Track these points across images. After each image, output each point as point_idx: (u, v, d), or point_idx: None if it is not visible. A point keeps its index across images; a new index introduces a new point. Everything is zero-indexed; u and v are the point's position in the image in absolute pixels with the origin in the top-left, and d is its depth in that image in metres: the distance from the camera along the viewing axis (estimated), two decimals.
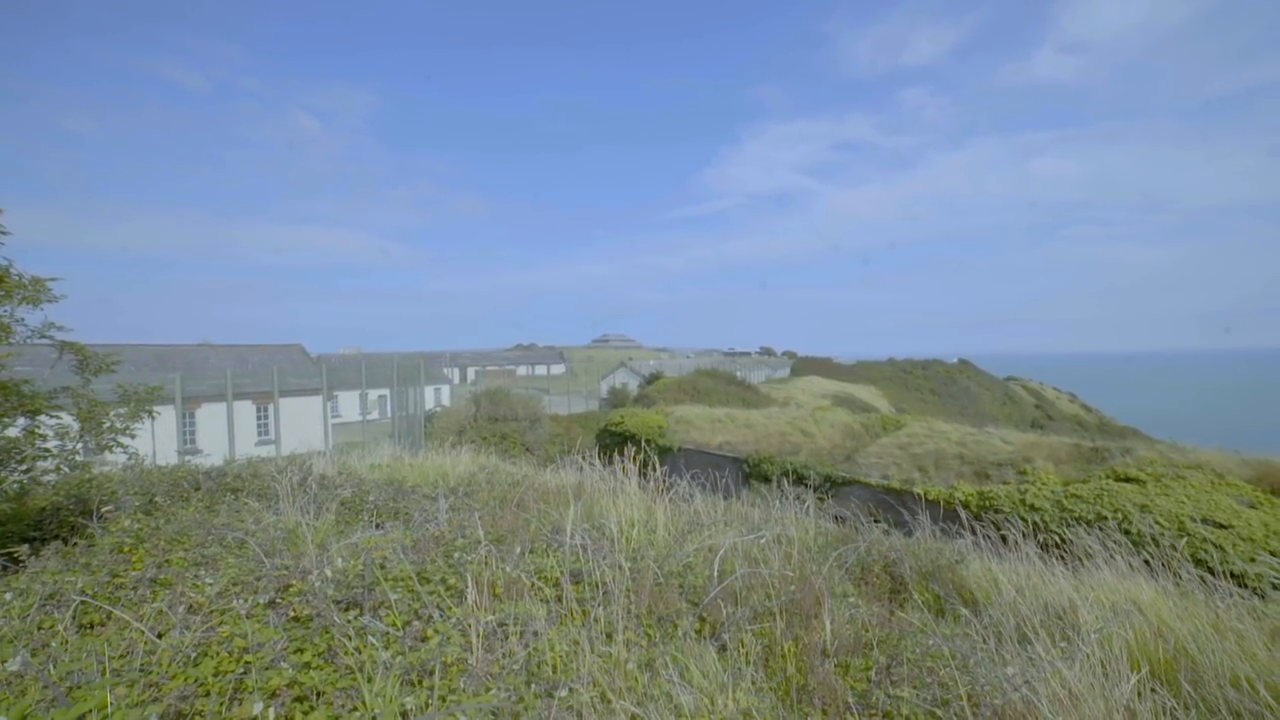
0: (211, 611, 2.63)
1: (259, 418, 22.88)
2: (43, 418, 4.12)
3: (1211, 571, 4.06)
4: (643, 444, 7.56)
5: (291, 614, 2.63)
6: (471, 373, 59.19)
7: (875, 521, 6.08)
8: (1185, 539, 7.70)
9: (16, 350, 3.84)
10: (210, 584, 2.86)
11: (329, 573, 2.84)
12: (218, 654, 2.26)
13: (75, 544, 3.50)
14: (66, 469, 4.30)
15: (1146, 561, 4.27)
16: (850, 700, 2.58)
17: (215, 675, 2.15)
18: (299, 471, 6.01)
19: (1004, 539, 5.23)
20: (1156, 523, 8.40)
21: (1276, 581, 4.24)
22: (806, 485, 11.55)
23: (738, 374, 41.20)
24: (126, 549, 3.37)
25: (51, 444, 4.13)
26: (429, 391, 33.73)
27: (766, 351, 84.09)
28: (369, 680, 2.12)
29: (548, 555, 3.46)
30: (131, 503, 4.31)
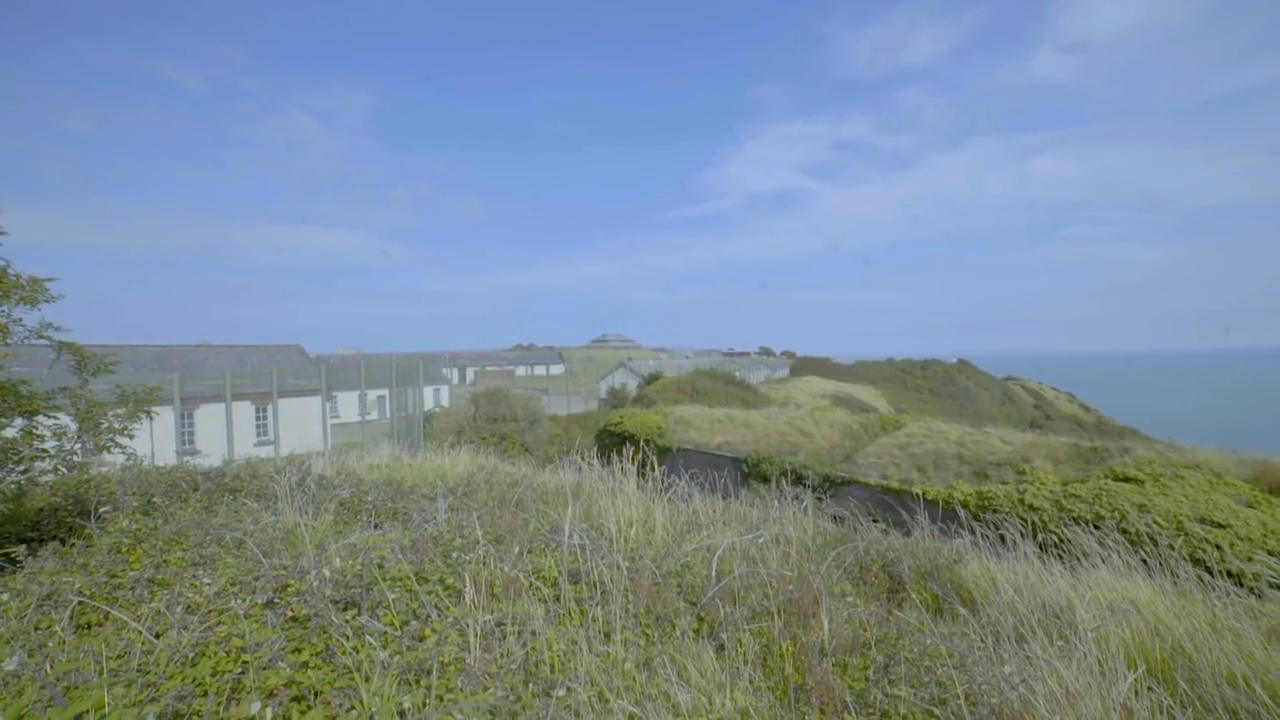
0: (209, 611, 2.63)
1: (258, 418, 22.86)
2: (40, 418, 4.11)
3: (1209, 571, 4.07)
4: (642, 444, 7.57)
5: (289, 614, 2.63)
6: (470, 373, 59.17)
7: (874, 521, 6.09)
8: (1183, 538, 7.71)
9: (14, 351, 3.84)
10: (208, 584, 2.86)
11: (327, 573, 2.84)
12: (215, 654, 2.26)
13: (73, 544, 3.49)
14: (64, 470, 4.29)
15: (1144, 561, 4.28)
16: (848, 699, 2.58)
17: (213, 675, 2.15)
18: (297, 472, 6.01)
19: (1002, 538, 5.23)
20: (1155, 522, 8.41)
21: (1274, 580, 4.25)
22: (805, 485, 11.56)
23: (737, 374, 41.22)
24: (124, 549, 3.37)
25: (49, 444, 4.13)
26: (428, 392, 33.71)
27: (765, 351, 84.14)
28: (366, 680, 2.12)
29: (546, 555, 3.46)
30: (129, 503, 4.31)
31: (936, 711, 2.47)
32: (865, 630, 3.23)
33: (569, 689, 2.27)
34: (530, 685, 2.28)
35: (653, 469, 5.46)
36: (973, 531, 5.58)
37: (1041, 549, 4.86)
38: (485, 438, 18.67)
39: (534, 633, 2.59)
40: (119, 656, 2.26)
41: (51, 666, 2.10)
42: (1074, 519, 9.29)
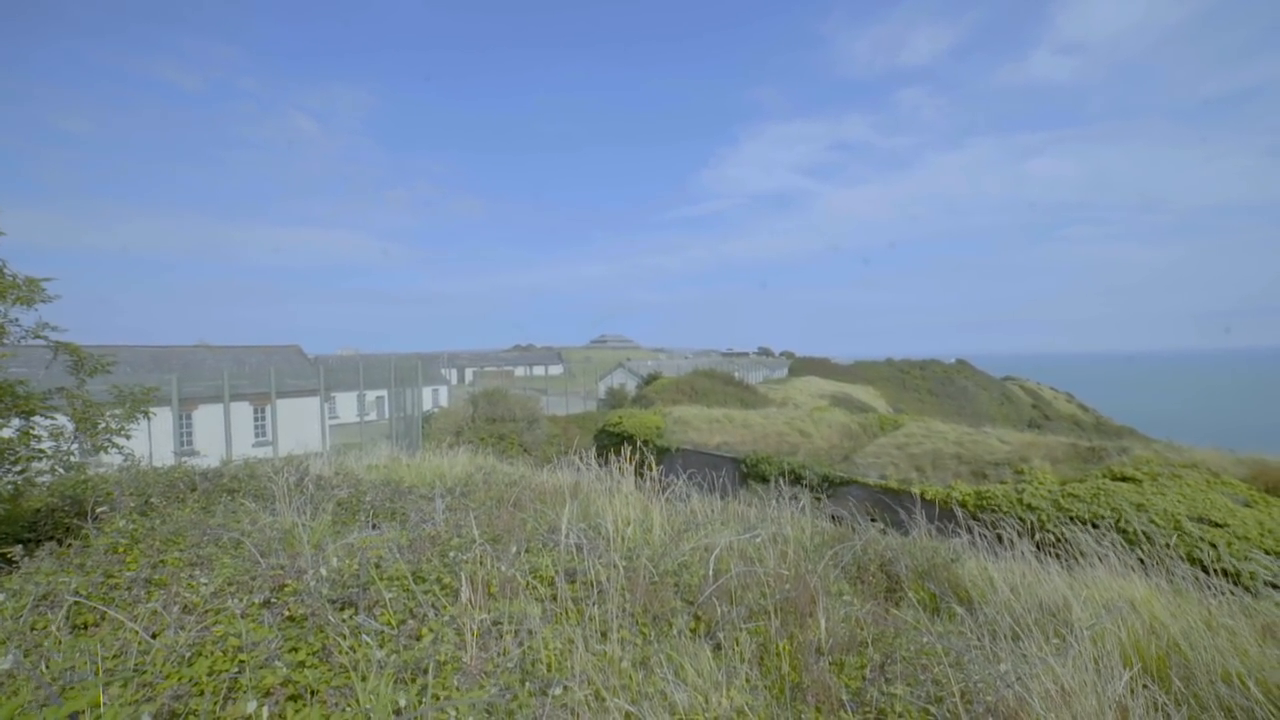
0: (206, 611, 2.63)
1: (256, 419, 22.82)
2: (37, 419, 4.10)
3: (1205, 569, 4.08)
4: (641, 445, 7.57)
5: (286, 613, 2.63)
6: (469, 374, 59.14)
7: (872, 521, 6.10)
8: (1181, 537, 7.73)
9: (11, 351, 3.83)
10: (205, 584, 2.86)
11: (324, 572, 2.84)
12: (212, 653, 2.26)
13: (69, 545, 3.49)
14: (61, 470, 4.29)
15: (1141, 560, 4.29)
16: (844, 698, 2.58)
17: (209, 674, 2.15)
18: (295, 472, 6.00)
19: (999, 538, 5.25)
20: (1153, 521, 8.43)
21: (1269, 579, 4.26)
22: (804, 485, 11.57)
23: (735, 374, 41.23)
24: (121, 549, 3.37)
25: (46, 445, 4.12)
26: (427, 392, 33.69)
27: (764, 352, 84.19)
28: (363, 679, 2.12)
29: (543, 554, 3.46)
30: (127, 504, 4.30)
31: (932, 709, 2.47)
32: (862, 629, 3.24)
33: (565, 688, 2.27)
34: (527, 684, 2.28)
35: (650, 469, 5.46)
36: (970, 531, 5.59)
37: (1039, 548, 4.88)
38: (484, 438, 18.66)
39: (530, 632, 2.60)
40: (115, 656, 2.26)
41: (47, 666, 2.10)
42: (1072, 518, 9.31)
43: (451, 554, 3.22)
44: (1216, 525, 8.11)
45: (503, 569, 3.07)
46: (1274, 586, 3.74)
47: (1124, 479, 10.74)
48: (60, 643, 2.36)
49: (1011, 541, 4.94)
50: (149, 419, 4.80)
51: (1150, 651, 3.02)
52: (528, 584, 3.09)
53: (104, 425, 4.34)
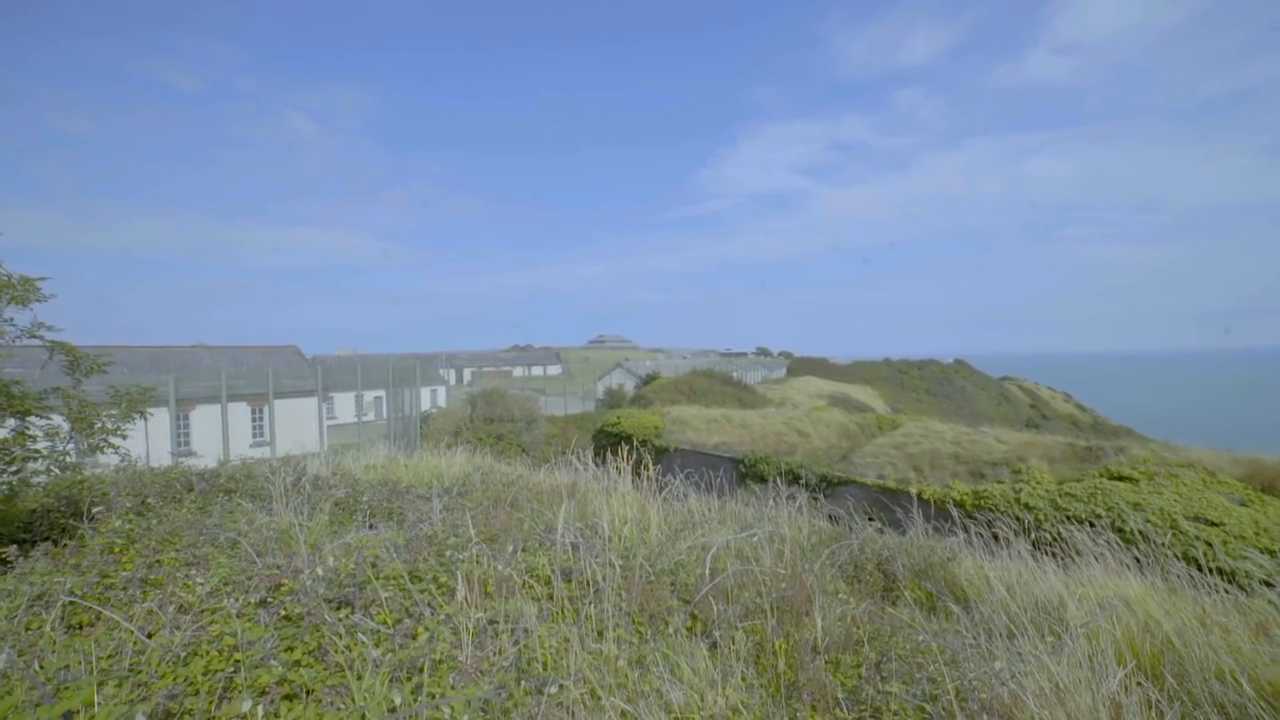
0: (202, 611, 2.63)
1: (254, 419, 22.78)
2: (33, 419, 4.10)
3: (1200, 568, 4.10)
4: (639, 445, 7.57)
5: (283, 613, 2.63)
6: (468, 374, 59.09)
7: (870, 521, 6.11)
8: (1176, 536, 7.75)
9: (6, 351, 3.83)
10: (201, 584, 2.85)
11: (320, 571, 2.84)
12: (207, 653, 2.26)
13: (65, 545, 3.48)
14: (57, 470, 4.28)
15: (1136, 559, 4.30)
16: (840, 696, 2.59)
17: (205, 674, 2.15)
18: (292, 472, 5.99)
19: (995, 537, 5.26)
20: (1149, 521, 8.45)
21: (1263, 577, 4.28)
22: (802, 485, 11.59)
23: (734, 374, 41.27)
24: (117, 549, 3.37)
25: (41, 445, 4.11)
26: (425, 393, 33.66)
27: (763, 352, 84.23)
28: (359, 678, 2.12)
29: (540, 554, 3.47)
30: (123, 504, 4.30)
31: (928, 708, 2.48)
32: (858, 627, 3.25)
33: (561, 686, 2.28)
34: (522, 682, 2.29)
35: (647, 469, 5.47)
36: (966, 530, 5.60)
37: (1035, 547, 4.89)
38: (482, 438, 18.65)
39: (526, 630, 2.60)
40: (110, 656, 2.26)
41: (41, 666, 2.09)
42: (1069, 518, 9.33)
43: (448, 553, 3.22)
44: (1212, 524, 8.14)
45: (499, 568, 3.07)
46: (1268, 585, 3.75)
47: (1121, 478, 10.76)
48: (55, 643, 2.35)
49: (1008, 541, 4.96)
50: (145, 419, 4.79)
51: (1144, 649, 3.03)
52: (524, 583, 3.09)
53: (100, 425, 4.34)
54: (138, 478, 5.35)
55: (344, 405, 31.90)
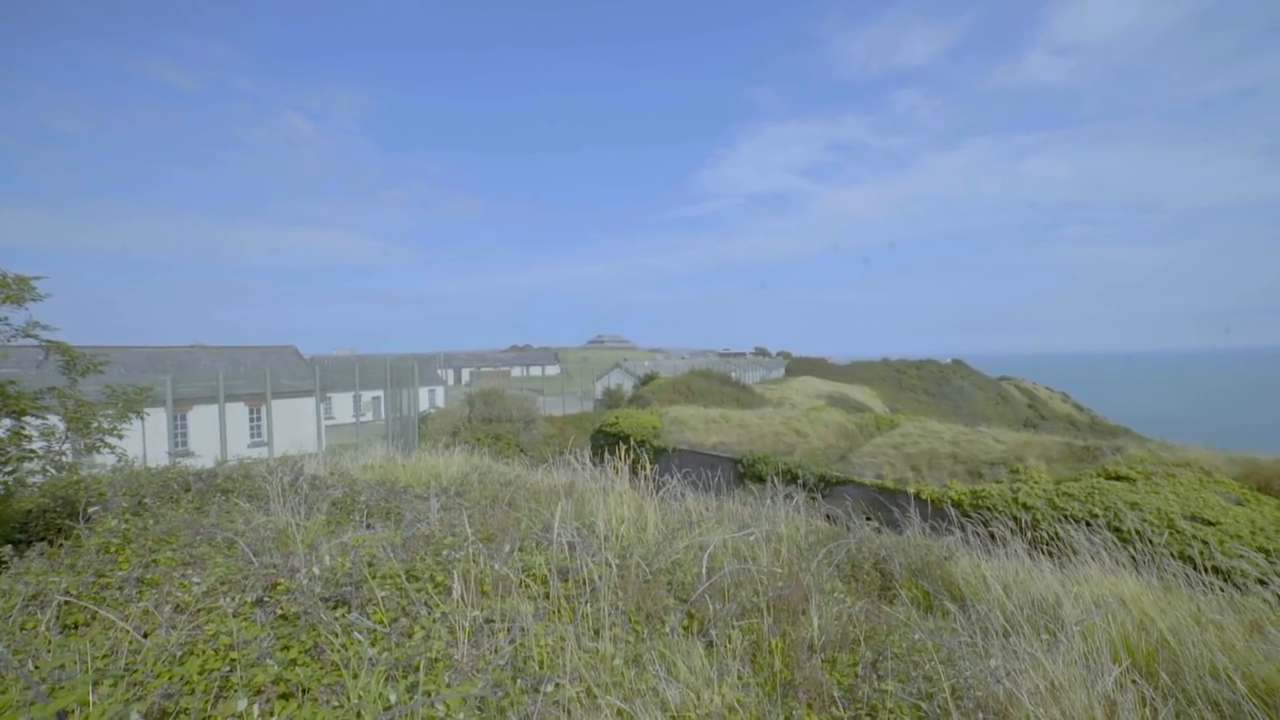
0: (198, 610, 2.62)
1: (251, 419, 22.75)
2: (28, 418, 4.09)
3: (1196, 567, 4.12)
4: (637, 445, 7.57)
5: (279, 612, 2.62)
6: (466, 374, 59.05)
7: (868, 520, 6.12)
8: (1173, 535, 7.77)
9: (1, 350, 3.82)
10: (198, 583, 2.85)
11: (317, 570, 2.84)
12: (203, 652, 2.26)
13: (61, 545, 3.47)
14: (53, 470, 4.27)
15: (1133, 557, 4.32)
16: (836, 694, 2.59)
17: (200, 673, 2.15)
18: (290, 472, 5.98)
19: (993, 536, 5.27)
20: (1146, 520, 8.47)
21: (1259, 576, 4.30)
22: (800, 485, 11.60)
23: (732, 374, 41.29)
24: (113, 549, 3.36)
25: (37, 445, 4.10)
26: (423, 393, 33.63)
27: (761, 352, 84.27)
28: (354, 676, 2.12)
29: (536, 553, 3.47)
30: (120, 504, 4.29)
31: (923, 705, 2.49)
32: (855, 626, 3.25)
33: (557, 684, 2.28)
34: (518, 681, 2.29)
35: (644, 468, 5.47)
36: (964, 530, 5.61)
37: (1032, 546, 4.90)
38: (480, 438, 18.63)
39: (523, 629, 2.60)
40: (105, 656, 2.25)
41: (35, 665, 2.09)
42: (1067, 517, 9.34)
43: (444, 552, 3.22)
44: (1208, 523, 8.16)
45: (496, 567, 3.07)
46: (1263, 583, 3.77)
47: (1118, 478, 10.78)
48: (50, 642, 2.35)
49: (1005, 540, 4.97)
50: (142, 419, 4.78)
51: (1140, 647, 3.04)
52: (521, 582, 3.09)
53: (96, 425, 4.32)
54: (134, 478, 5.33)
55: (342, 405, 31.85)
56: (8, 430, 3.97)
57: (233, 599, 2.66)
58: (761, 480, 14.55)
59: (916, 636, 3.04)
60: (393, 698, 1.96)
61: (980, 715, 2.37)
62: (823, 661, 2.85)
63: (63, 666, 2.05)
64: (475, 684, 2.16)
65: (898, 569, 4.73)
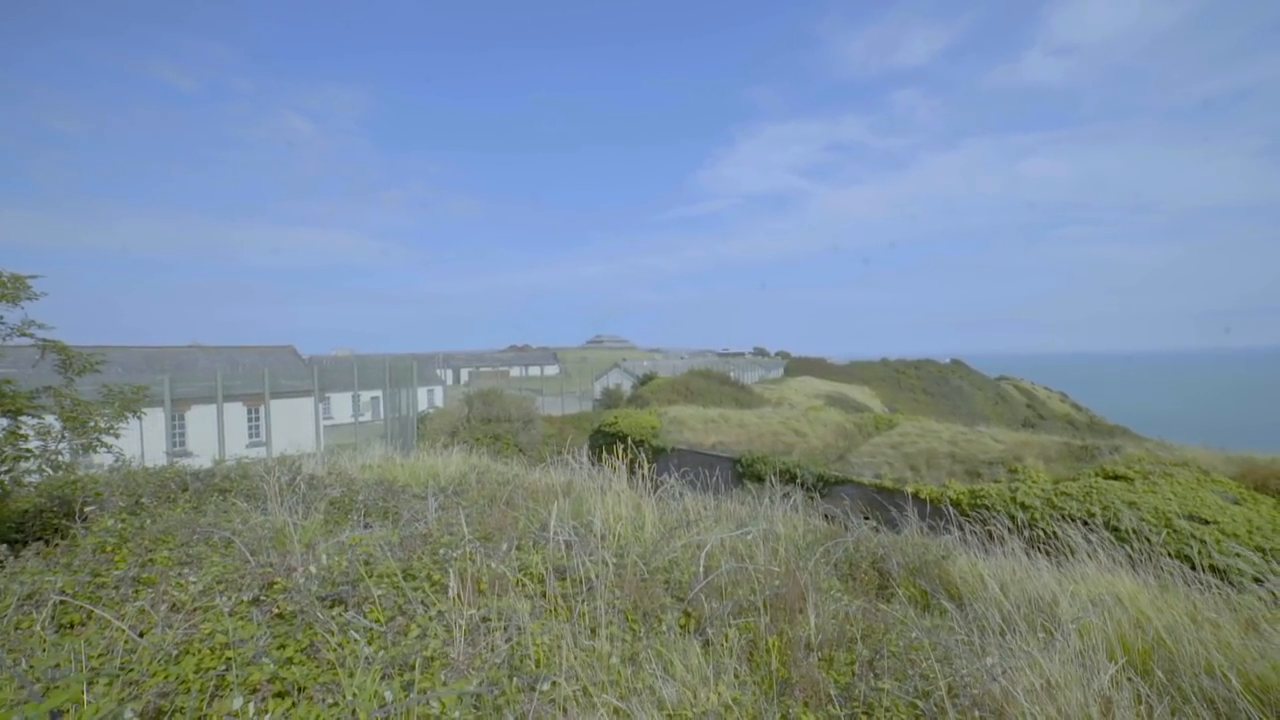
0: (195, 609, 2.62)
1: (250, 419, 22.72)
2: (25, 418, 4.08)
3: (1193, 565, 4.12)
4: (636, 445, 7.57)
5: (275, 611, 2.62)
6: (465, 374, 59.03)
7: (866, 519, 6.12)
8: (1170, 534, 7.78)
9: None
10: (194, 582, 2.84)
11: (313, 569, 2.83)
12: (199, 651, 2.26)
13: (57, 545, 3.47)
14: (49, 470, 4.26)
15: (1130, 556, 4.32)
16: (832, 693, 2.60)
17: (196, 672, 2.15)
18: (288, 472, 5.97)
19: (991, 535, 5.28)
20: (1143, 519, 8.48)
21: (1255, 574, 4.31)
22: (799, 484, 11.60)
23: (731, 374, 41.31)
24: (109, 549, 3.35)
25: (33, 444, 4.09)
26: (422, 393, 33.60)
27: (760, 352, 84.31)
28: (350, 675, 2.12)
29: (534, 551, 3.46)
30: (116, 503, 4.28)
31: (920, 704, 2.49)
32: (852, 625, 3.25)
33: (553, 683, 2.28)
34: (514, 679, 2.29)
35: (641, 467, 5.47)
36: (962, 529, 5.62)
37: (1030, 545, 4.91)
38: (479, 438, 18.63)
39: (519, 628, 2.60)
40: (101, 655, 2.25)
41: (30, 665, 2.08)
42: (1065, 516, 9.36)
43: (442, 551, 3.22)
44: (1205, 522, 8.17)
45: (493, 566, 3.07)
46: (1259, 582, 3.78)
47: (1116, 477, 10.80)
48: (45, 642, 2.35)
49: (1003, 539, 4.98)
50: (140, 419, 4.77)
51: (1135, 645, 3.04)
52: (517, 581, 3.09)
53: (93, 425, 4.31)
54: (131, 478, 5.32)
55: (341, 405, 31.81)
56: (3, 430, 3.96)
57: (229, 598, 2.65)
58: (760, 480, 14.55)
59: (913, 635, 3.04)
60: (388, 696, 1.96)
61: (976, 713, 2.38)
62: (820, 660, 2.85)
63: (57, 666, 2.04)
64: (471, 682, 2.15)
65: (895, 568, 4.74)
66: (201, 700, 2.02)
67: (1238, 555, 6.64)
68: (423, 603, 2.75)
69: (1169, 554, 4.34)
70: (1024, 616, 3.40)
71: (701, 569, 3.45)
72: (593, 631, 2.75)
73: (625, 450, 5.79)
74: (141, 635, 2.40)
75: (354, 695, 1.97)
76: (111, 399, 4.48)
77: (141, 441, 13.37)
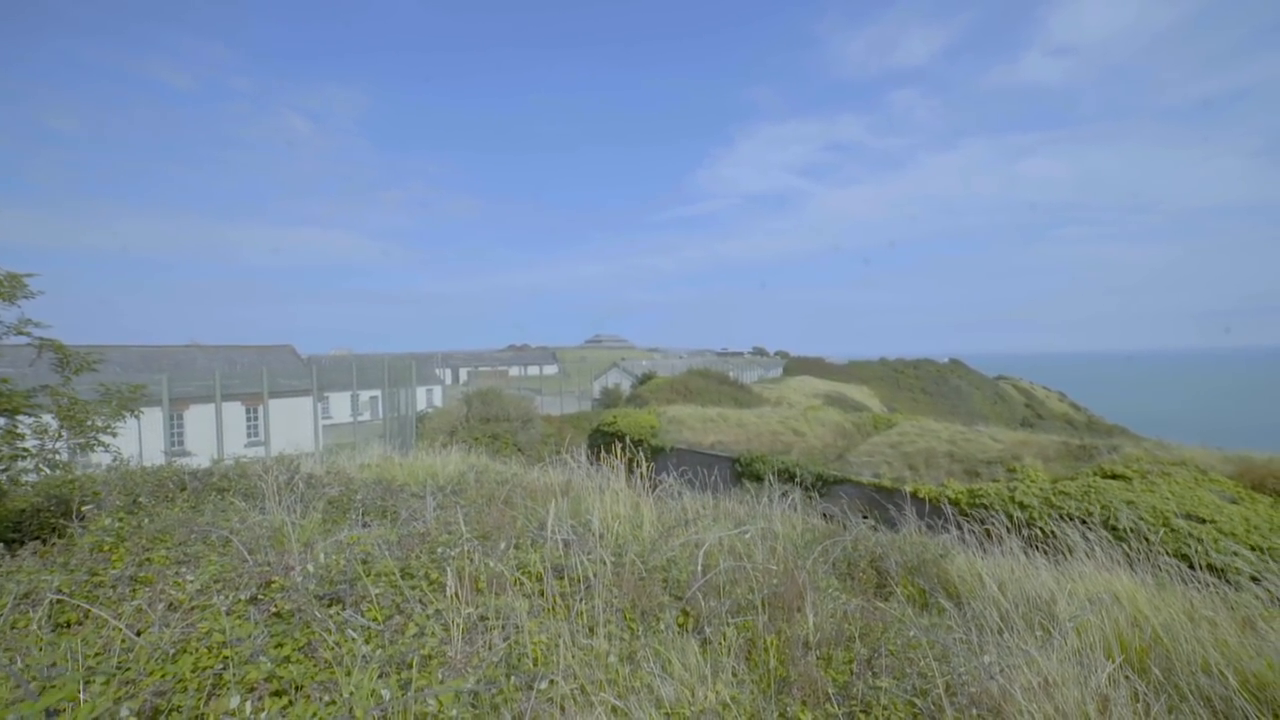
0: (192, 608, 2.61)
1: (248, 419, 22.70)
2: (21, 417, 4.06)
3: (1191, 564, 4.13)
4: (635, 444, 7.56)
5: (273, 610, 2.62)
6: (464, 373, 59.01)
7: (864, 519, 6.13)
8: (1168, 533, 7.80)
9: None
10: (191, 581, 2.84)
11: (311, 568, 2.83)
12: (196, 650, 2.25)
13: (54, 544, 3.46)
14: (46, 469, 4.24)
15: (1127, 555, 4.33)
16: (831, 691, 2.60)
17: (193, 671, 2.15)
18: (286, 471, 5.97)
19: (989, 534, 5.28)
20: (1142, 518, 8.50)
21: (1252, 573, 4.32)
22: (797, 484, 11.61)
23: (730, 374, 41.32)
24: (106, 548, 3.34)
25: (30, 444, 4.08)
26: (421, 392, 33.57)
27: (759, 351, 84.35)
28: (347, 673, 2.12)
29: (532, 550, 3.46)
30: (114, 503, 4.27)
31: (917, 702, 2.49)
32: (850, 624, 3.26)
33: (551, 681, 2.28)
34: (512, 678, 2.29)
35: (639, 466, 5.47)
36: (960, 528, 5.62)
37: (1028, 544, 4.91)
38: (478, 438, 18.62)
39: (517, 626, 2.60)
40: (98, 654, 2.24)
41: (25, 664, 2.08)
42: (1063, 515, 9.37)
43: (440, 550, 3.22)
44: (1203, 521, 8.19)
45: (491, 565, 3.07)
46: (1256, 580, 3.78)
47: (1114, 476, 10.82)
48: (41, 641, 2.34)
49: (1001, 538, 4.98)
50: (138, 418, 4.76)
51: (1133, 644, 3.05)
52: (515, 579, 3.09)
53: (90, 424, 4.30)
54: (129, 477, 5.31)
55: (339, 405, 31.77)
56: (0, 429, 3.95)
57: (226, 597, 2.65)
58: (759, 479, 14.55)
59: (911, 633, 3.05)
60: (386, 694, 1.96)
61: (974, 711, 2.38)
62: (818, 658, 2.85)
63: (53, 664, 2.04)
64: (468, 680, 2.15)
65: (894, 567, 4.74)
66: (198, 699, 2.01)
67: (1235, 554, 6.65)
68: (420, 601, 2.75)
69: (1167, 553, 4.35)
70: (1022, 615, 3.41)
71: (699, 568, 3.45)
72: (590, 630, 2.75)
73: (624, 449, 5.79)
74: (138, 634, 2.40)
75: (351, 693, 1.97)
76: (109, 398, 4.47)
77: (140, 441, 13.35)
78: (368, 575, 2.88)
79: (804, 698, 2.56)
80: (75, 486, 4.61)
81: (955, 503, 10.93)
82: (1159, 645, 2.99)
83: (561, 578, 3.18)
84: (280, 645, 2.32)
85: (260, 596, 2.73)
